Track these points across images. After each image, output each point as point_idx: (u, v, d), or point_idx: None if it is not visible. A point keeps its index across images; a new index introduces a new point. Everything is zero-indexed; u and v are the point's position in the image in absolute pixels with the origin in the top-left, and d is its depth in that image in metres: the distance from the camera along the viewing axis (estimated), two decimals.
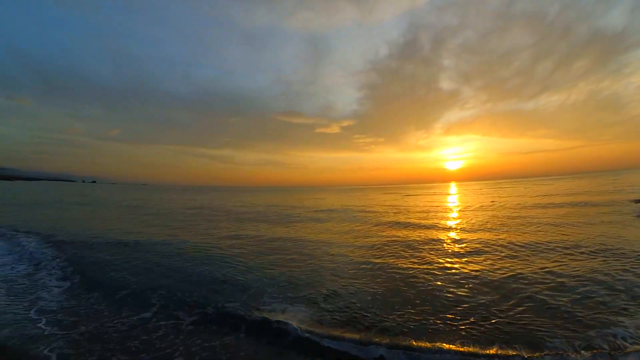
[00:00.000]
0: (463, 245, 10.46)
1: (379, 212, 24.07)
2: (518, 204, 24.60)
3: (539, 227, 12.83)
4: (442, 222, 17.41)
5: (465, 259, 8.64)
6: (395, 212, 22.22)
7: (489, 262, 8.12)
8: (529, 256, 8.43)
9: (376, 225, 15.93)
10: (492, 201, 27.72)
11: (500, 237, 11.20)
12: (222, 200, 43.55)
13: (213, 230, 15.88)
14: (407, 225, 14.88)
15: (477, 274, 7.32)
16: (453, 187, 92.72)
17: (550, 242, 9.81)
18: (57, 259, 9.14)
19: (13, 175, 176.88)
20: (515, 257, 8.45)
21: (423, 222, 16.17)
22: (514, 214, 17.92)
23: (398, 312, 5.44)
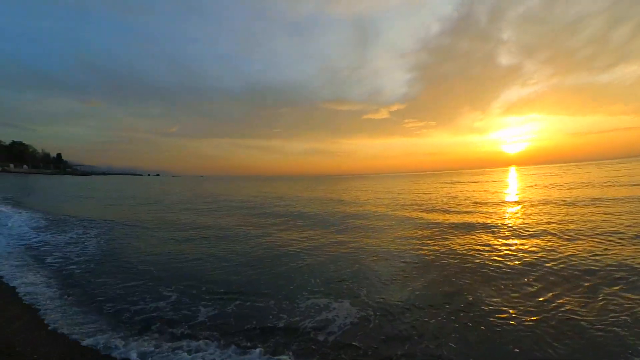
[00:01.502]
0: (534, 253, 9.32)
1: (430, 204, 22.53)
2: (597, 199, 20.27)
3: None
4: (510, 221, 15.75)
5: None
6: (451, 206, 20.39)
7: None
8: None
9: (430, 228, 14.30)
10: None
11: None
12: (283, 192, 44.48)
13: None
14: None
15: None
16: (514, 173, 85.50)
17: None
18: None
19: (90, 172, 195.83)
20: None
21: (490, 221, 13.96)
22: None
23: None
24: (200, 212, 19.30)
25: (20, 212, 16.96)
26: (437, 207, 17.39)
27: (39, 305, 5.52)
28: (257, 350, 4.13)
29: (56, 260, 8.39)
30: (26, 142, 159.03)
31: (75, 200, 26.58)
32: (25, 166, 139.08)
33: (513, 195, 22.76)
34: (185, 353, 4.08)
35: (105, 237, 11.30)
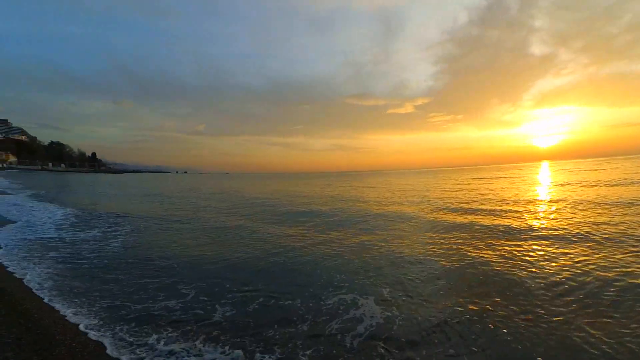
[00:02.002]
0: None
1: (457, 201, 21.65)
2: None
3: None
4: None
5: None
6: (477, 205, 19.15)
7: None
8: None
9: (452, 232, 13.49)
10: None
11: None
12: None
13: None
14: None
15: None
16: (546, 168, 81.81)
17: None
18: None
19: (122, 169, 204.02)
20: None
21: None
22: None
23: None
24: (224, 209, 19.67)
25: (53, 207, 17.86)
26: (464, 207, 16.41)
27: (51, 298, 5.76)
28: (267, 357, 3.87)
29: (75, 255, 8.75)
30: (63, 142, 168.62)
31: (107, 197, 27.75)
32: (62, 165, 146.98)
33: (547, 193, 20.89)
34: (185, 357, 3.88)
35: (129, 233, 11.69)
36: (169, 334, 4.42)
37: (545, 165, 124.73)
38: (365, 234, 11.23)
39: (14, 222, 13.14)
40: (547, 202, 17.00)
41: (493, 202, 17.41)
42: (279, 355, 3.95)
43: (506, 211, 14.32)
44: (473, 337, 4.31)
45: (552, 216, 12.66)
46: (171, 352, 4.00)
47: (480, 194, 22.87)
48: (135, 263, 7.91)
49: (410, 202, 20.16)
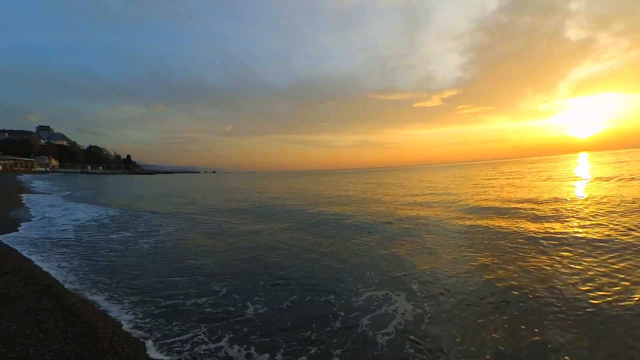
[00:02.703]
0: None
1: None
2: None
3: None
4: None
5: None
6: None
7: None
8: None
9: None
10: None
11: None
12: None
13: None
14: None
15: None
16: (586, 160, 77.24)
17: None
18: None
19: (154, 170, 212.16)
20: None
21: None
22: None
23: None
24: (253, 207, 19.95)
25: (91, 207, 18.79)
26: (496, 205, 15.13)
27: (92, 294, 6.01)
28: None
29: (110, 252, 9.11)
30: (101, 146, 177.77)
31: (141, 196, 28.89)
32: (100, 167, 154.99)
33: (587, 190, 18.71)
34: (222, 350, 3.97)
35: (163, 231, 12.09)
36: (200, 330, 4.48)
37: (584, 157, 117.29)
38: (394, 232, 11.04)
39: (51, 220, 13.92)
40: (588, 200, 14.85)
41: (527, 201, 15.73)
42: (312, 353, 3.94)
43: (542, 211, 12.75)
44: (499, 338, 4.15)
45: (594, 219, 10.83)
46: (204, 349, 4.08)
47: (513, 190, 21.56)
48: (168, 261, 8.17)
49: (440, 200, 19.61)
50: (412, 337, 4.24)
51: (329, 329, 4.48)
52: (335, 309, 5.08)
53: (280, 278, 6.62)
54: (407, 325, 4.54)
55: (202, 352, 3.99)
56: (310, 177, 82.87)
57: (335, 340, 4.19)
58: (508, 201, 16.19)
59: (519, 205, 14.61)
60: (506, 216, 12.33)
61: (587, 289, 5.44)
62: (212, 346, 4.09)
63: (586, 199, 15.17)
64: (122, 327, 4.52)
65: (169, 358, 3.92)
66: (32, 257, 7.80)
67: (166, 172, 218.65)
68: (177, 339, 4.30)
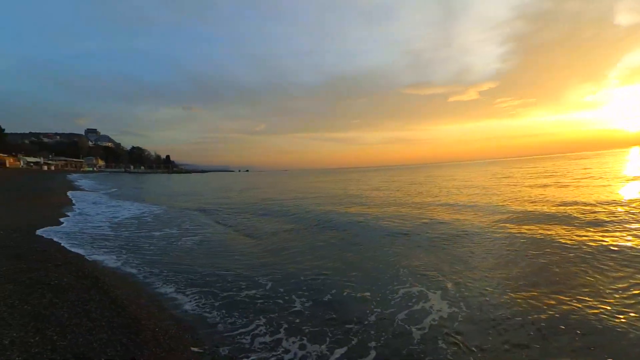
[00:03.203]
0: None
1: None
2: None
3: None
4: None
5: None
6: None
7: None
8: None
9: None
10: None
11: None
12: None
13: None
14: None
15: None
16: (636, 155, 71.16)
17: None
18: None
19: (191, 169, 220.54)
20: None
21: None
22: None
23: None
24: (287, 206, 20.18)
25: (135, 204, 19.75)
26: (543, 210, 13.10)
27: (148, 286, 6.27)
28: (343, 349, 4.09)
29: (154, 246, 9.47)
30: (142, 146, 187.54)
31: (183, 194, 30.06)
32: (142, 167, 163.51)
33: None
34: (282, 341, 4.28)
35: (205, 227, 12.46)
36: (259, 323, 4.80)
37: (635, 152, 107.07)
38: (430, 234, 10.73)
39: (97, 216, 14.76)
40: None
41: (577, 204, 13.40)
42: (353, 344, 4.18)
43: (597, 217, 10.82)
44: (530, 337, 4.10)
45: None
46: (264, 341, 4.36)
47: (559, 190, 19.10)
48: (214, 254, 8.54)
49: (477, 201, 18.83)
50: (446, 331, 4.36)
51: (367, 322, 4.71)
52: (372, 306, 5.24)
53: (319, 274, 6.83)
54: (442, 321, 4.65)
55: (262, 342, 4.27)
56: (341, 175, 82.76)
57: (373, 332, 4.42)
58: (554, 204, 14.21)
59: (567, 209, 12.65)
60: (553, 221, 10.79)
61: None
62: (269, 339, 4.38)
63: None
64: (164, 320, 4.69)
65: (208, 350, 4.02)
66: (81, 251, 8.29)
67: (202, 171, 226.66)
68: (240, 330, 4.57)
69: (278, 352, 4.05)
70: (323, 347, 4.13)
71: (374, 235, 10.52)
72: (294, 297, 5.64)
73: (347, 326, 4.61)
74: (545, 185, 22.07)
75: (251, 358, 3.96)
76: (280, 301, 5.49)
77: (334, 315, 4.93)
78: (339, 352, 4.02)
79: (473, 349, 3.96)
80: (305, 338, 4.33)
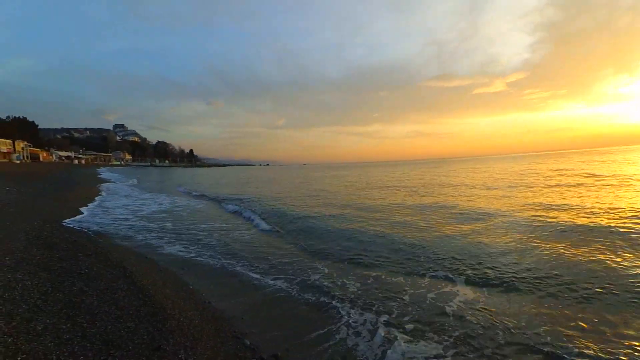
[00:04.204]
0: None
1: None
2: None
3: None
4: None
5: None
6: None
7: None
8: None
9: None
10: None
11: None
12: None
13: None
14: None
15: None
16: None
17: None
18: None
19: (214, 163, 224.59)
20: None
21: None
22: None
23: None
24: (317, 196, 20.24)
25: (165, 197, 20.26)
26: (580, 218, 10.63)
27: (184, 274, 6.40)
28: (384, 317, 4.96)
29: (191, 237, 9.67)
30: (167, 141, 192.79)
31: (221, 185, 30.67)
32: (167, 161, 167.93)
33: None
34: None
35: (255, 217, 12.64)
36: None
37: None
38: (455, 223, 10.74)
39: (127, 207, 15.23)
40: None
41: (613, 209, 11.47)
42: (393, 316, 4.98)
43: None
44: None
45: None
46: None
47: (591, 191, 16.09)
48: (264, 247, 8.98)
49: (506, 204, 18.30)
50: (479, 307, 5.12)
51: (400, 298, 5.60)
52: (406, 287, 6.03)
53: (360, 260, 7.67)
54: (469, 300, 5.42)
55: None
56: (363, 169, 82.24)
57: (410, 309, 5.19)
58: (593, 209, 11.71)
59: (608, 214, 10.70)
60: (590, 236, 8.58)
61: None
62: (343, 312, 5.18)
63: None
64: (188, 310, 4.76)
65: (232, 341, 4.06)
66: (111, 241, 8.57)
67: (224, 165, 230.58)
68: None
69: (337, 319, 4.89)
70: (371, 315, 4.99)
71: (404, 225, 10.92)
72: (345, 280, 6.45)
73: (387, 302, 5.41)
74: (577, 184, 19.30)
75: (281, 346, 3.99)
76: (337, 283, 6.34)
77: (379, 294, 5.74)
78: (382, 319, 4.86)
79: (498, 324, 4.57)
80: (367, 312, 5.10)
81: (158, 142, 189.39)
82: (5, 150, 52.41)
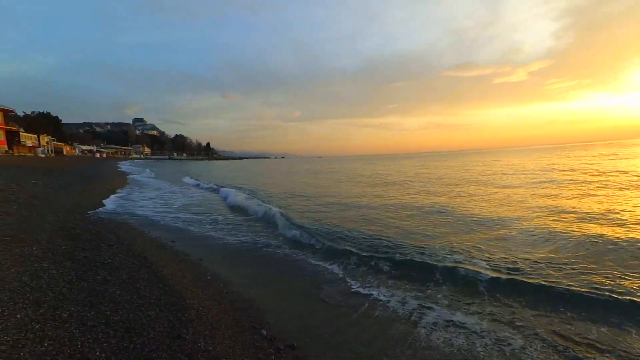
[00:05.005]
0: None
1: None
2: None
3: None
4: None
5: None
6: None
7: None
8: None
9: None
10: None
11: None
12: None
13: None
14: None
15: None
16: None
17: None
18: None
19: (230, 156, 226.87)
20: None
21: None
22: None
23: None
24: (331, 187, 20.22)
25: (183, 188, 20.61)
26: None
27: (184, 267, 6.51)
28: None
29: (201, 228, 9.81)
30: (185, 134, 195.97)
31: (232, 178, 31.07)
32: (184, 154, 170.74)
33: None
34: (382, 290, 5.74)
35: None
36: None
37: None
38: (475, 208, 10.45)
39: (151, 200, 15.58)
40: None
41: None
42: (429, 292, 5.60)
43: None
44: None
45: None
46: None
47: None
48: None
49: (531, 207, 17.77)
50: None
51: (432, 276, 6.14)
52: (433, 267, 6.43)
53: (391, 245, 8.01)
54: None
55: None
56: (381, 162, 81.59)
57: (441, 286, 5.80)
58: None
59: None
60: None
61: None
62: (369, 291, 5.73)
63: None
64: (206, 299, 4.84)
65: (249, 330, 4.11)
66: (133, 232, 8.78)
67: (239, 158, 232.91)
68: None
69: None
70: (399, 292, 5.57)
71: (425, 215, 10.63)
72: (381, 263, 6.89)
73: (424, 281, 5.99)
74: (604, 181, 17.55)
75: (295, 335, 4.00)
76: (372, 263, 6.93)
77: (414, 275, 6.26)
78: (411, 296, 5.41)
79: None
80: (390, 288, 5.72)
81: (176, 135, 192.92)
82: (30, 145, 54.25)
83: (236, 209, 14.08)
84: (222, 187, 21.88)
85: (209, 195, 19.69)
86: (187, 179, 30.80)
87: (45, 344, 2.91)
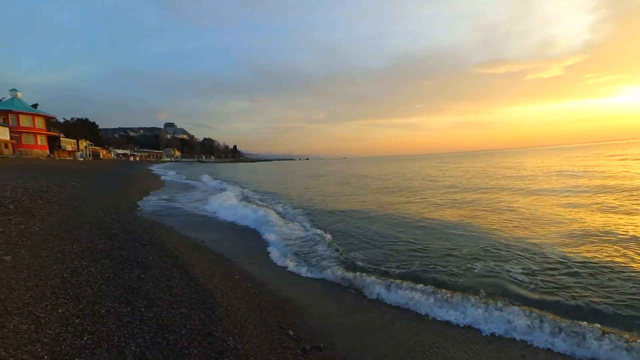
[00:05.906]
0: None
1: None
2: None
3: None
4: None
5: None
6: None
7: None
8: None
9: None
10: None
11: None
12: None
13: None
14: None
15: None
16: None
17: None
18: None
19: (256, 159, 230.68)
20: None
21: None
22: None
23: None
24: (355, 193, 20.16)
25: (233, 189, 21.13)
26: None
27: (214, 267, 6.63)
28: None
29: (228, 231, 9.96)
30: (213, 138, 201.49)
31: (260, 181, 31.58)
32: (212, 157, 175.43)
33: None
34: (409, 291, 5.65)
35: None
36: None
37: None
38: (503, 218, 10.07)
39: (189, 203, 16.05)
40: None
41: None
42: (462, 281, 5.89)
43: None
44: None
45: None
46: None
47: None
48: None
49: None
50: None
51: (464, 276, 6.15)
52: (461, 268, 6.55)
53: (410, 247, 8.17)
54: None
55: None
56: (410, 162, 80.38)
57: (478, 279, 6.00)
58: None
59: None
60: None
61: None
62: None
63: None
64: (235, 298, 4.91)
65: (277, 330, 4.12)
66: (165, 231, 9.07)
67: (265, 160, 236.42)
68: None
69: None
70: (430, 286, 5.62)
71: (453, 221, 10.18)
72: (412, 259, 7.19)
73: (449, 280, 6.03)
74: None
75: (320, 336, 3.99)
76: (403, 267, 6.81)
77: (440, 275, 6.26)
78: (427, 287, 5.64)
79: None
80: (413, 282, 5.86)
81: (204, 139, 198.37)
82: (70, 149, 57.43)
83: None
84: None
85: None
86: (226, 190, 31.45)
87: (85, 338, 3.04)
